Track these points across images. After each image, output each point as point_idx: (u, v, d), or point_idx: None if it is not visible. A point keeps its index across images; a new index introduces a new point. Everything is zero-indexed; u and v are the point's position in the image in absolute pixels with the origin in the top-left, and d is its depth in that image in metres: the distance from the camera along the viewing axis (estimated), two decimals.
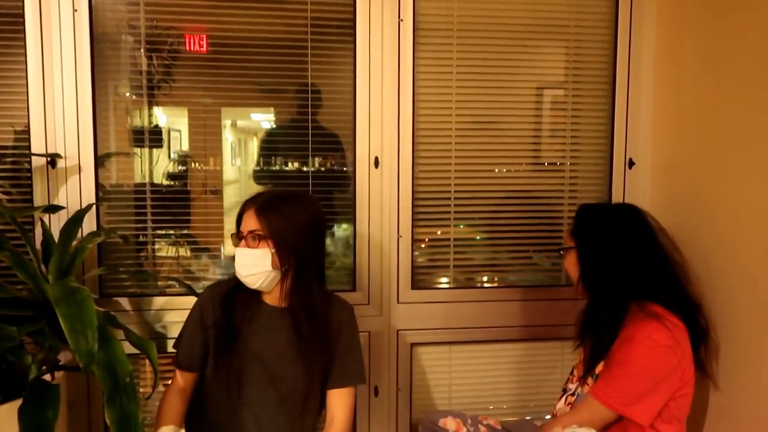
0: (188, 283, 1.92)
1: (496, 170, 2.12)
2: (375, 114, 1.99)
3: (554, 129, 2.14)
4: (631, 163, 2.11)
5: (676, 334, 1.46)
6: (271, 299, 1.55)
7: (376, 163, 2.01)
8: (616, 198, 2.11)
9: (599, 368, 1.55)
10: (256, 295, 1.54)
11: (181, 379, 1.57)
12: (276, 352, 1.52)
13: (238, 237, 1.49)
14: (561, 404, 1.68)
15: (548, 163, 2.15)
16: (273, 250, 1.45)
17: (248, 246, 1.46)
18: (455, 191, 2.09)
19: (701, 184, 1.81)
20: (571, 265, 1.66)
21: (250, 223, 1.46)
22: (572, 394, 1.66)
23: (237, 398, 1.51)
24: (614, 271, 1.57)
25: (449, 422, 1.81)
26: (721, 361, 1.69)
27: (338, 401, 1.52)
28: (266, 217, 1.46)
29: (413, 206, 2.04)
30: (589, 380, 1.58)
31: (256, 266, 1.46)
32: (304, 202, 1.53)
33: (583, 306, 1.66)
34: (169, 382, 1.63)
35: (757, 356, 1.56)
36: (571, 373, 1.72)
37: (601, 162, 2.14)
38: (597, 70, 2.11)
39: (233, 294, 1.55)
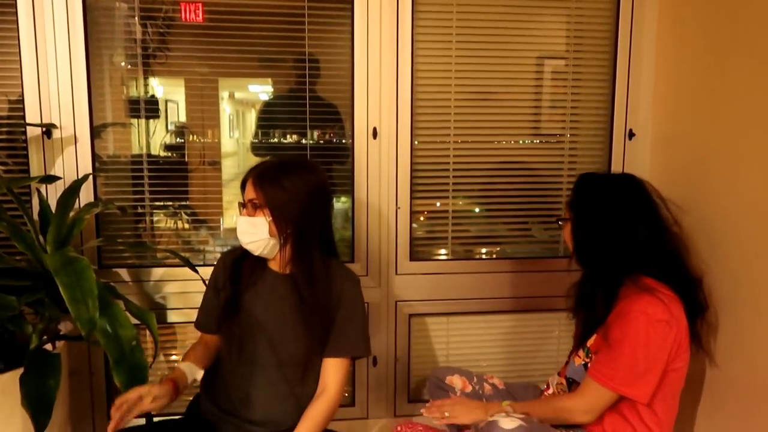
0: (187, 255, 1.92)
1: (495, 142, 2.11)
2: (373, 84, 1.97)
3: (554, 100, 2.12)
4: (631, 135, 2.09)
5: (672, 307, 1.45)
6: (275, 265, 1.57)
7: (375, 134, 1.99)
8: (616, 170, 2.10)
9: (591, 341, 1.54)
10: (262, 261, 1.56)
11: (204, 339, 1.62)
12: (277, 317, 1.54)
13: (241, 205, 1.51)
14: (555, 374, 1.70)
15: (548, 135, 2.14)
16: (269, 219, 1.46)
17: (248, 214, 1.47)
18: (454, 163, 2.08)
19: (702, 156, 1.80)
20: (568, 236, 1.64)
21: (249, 192, 1.48)
22: (565, 363, 1.67)
23: (238, 359, 1.55)
24: (609, 244, 1.51)
25: (456, 380, 1.82)
26: (719, 336, 1.69)
27: (331, 371, 1.53)
28: (262, 187, 1.47)
29: (412, 178, 2.04)
30: (581, 353, 1.58)
31: (255, 234, 1.47)
32: (305, 173, 1.51)
33: (577, 277, 1.65)
34: (170, 351, 1.65)
35: (757, 331, 1.57)
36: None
37: (601, 133, 2.13)
38: (599, 39, 2.08)
39: (242, 259, 1.58)
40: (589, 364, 1.55)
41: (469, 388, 1.81)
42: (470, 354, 2.21)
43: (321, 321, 1.52)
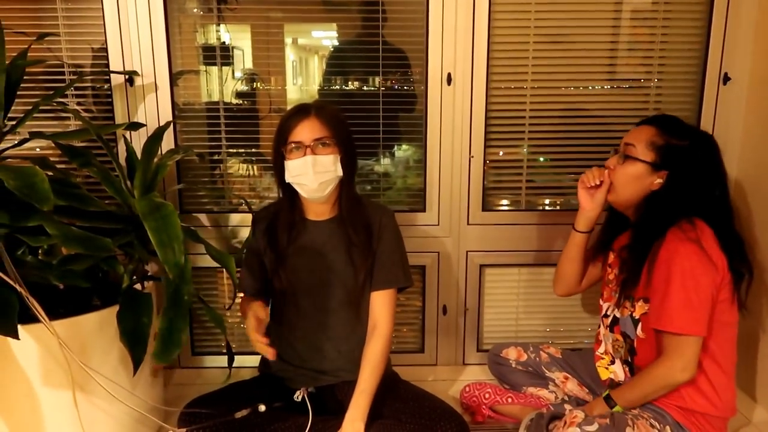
0: (259, 201, 1.96)
1: (574, 88, 2.00)
2: (448, 28, 1.89)
3: (642, 41, 1.97)
4: (726, 79, 1.94)
5: (708, 247, 1.40)
6: (316, 214, 1.59)
7: (449, 80, 1.93)
8: (707, 118, 1.97)
9: (637, 292, 1.50)
10: (297, 214, 1.59)
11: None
12: (325, 263, 1.57)
13: (297, 147, 1.48)
14: (602, 329, 1.66)
15: (632, 80, 2.01)
16: (341, 156, 1.50)
17: (316, 154, 1.47)
18: (530, 110, 1.99)
19: None
20: (626, 176, 1.52)
21: (314, 130, 1.48)
22: (606, 316, 1.63)
23: (297, 315, 1.60)
24: (700, 199, 1.47)
25: (510, 351, 1.86)
26: None
27: (379, 304, 1.56)
28: (330, 122, 1.49)
29: (486, 126, 1.97)
30: (627, 303, 1.54)
31: (329, 172, 1.49)
32: (337, 108, 1.59)
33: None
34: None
35: None
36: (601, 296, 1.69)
37: (692, 78, 1.98)
38: None
39: (275, 220, 1.62)
40: (633, 314, 1.52)
41: (524, 357, 1.83)
42: (541, 305, 2.17)
43: (366, 258, 1.55)
